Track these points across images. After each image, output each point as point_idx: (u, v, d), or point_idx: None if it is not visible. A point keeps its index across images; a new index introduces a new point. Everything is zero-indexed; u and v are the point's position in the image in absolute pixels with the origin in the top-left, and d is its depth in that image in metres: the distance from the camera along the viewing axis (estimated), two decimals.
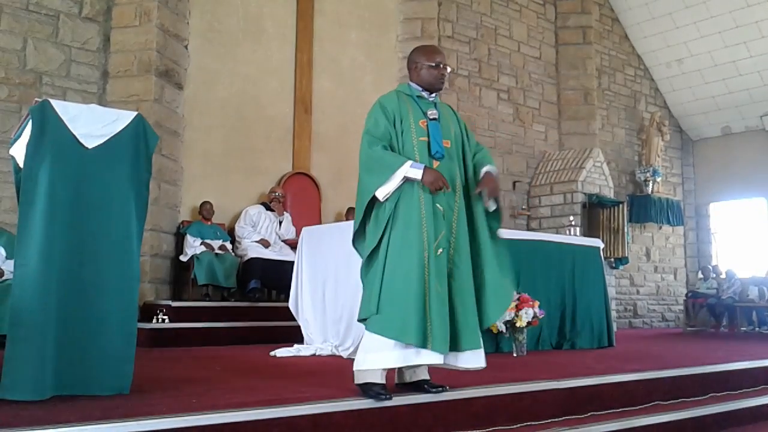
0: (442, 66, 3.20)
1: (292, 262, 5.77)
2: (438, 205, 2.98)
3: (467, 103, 9.93)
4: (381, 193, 2.95)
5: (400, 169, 2.93)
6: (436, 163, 3.04)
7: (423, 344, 2.81)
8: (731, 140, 13.05)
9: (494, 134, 10.29)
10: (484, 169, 3.18)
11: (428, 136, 3.07)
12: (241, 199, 7.88)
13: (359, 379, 2.92)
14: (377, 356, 2.87)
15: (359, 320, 3.02)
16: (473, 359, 2.99)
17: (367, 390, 2.86)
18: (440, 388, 3.02)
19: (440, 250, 2.94)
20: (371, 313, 2.88)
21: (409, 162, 2.95)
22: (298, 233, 6.43)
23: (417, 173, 2.93)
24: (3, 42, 6.64)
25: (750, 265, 12.15)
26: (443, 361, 2.90)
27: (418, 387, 3.04)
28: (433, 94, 3.25)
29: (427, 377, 3.09)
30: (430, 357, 2.87)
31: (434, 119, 3.11)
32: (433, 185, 2.92)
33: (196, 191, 7.58)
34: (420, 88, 3.22)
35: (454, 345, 2.91)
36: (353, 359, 3.01)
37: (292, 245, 7.20)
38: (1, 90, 6.59)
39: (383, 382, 2.91)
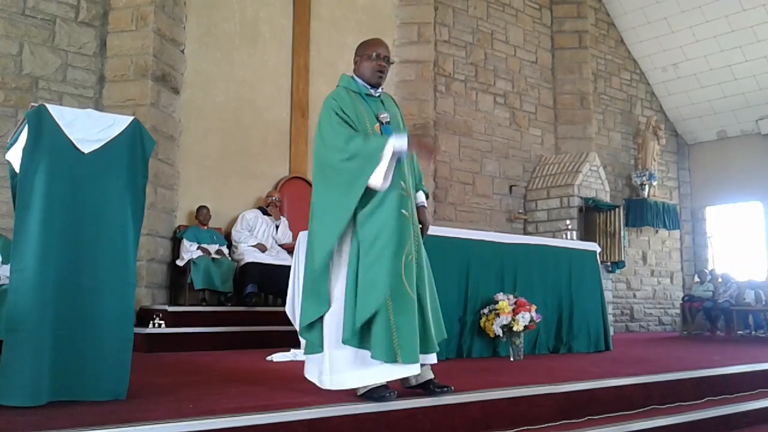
0: (382, 57, 3.09)
1: (289, 267, 5.75)
2: (403, 211, 2.91)
3: (464, 108, 9.94)
4: (377, 178, 2.79)
5: (387, 145, 2.81)
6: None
7: (392, 360, 2.77)
8: (727, 144, 13.10)
9: (491, 138, 10.30)
10: (419, 202, 3.16)
11: None
12: (237, 204, 7.87)
13: (360, 391, 2.91)
14: (358, 374, 2.85)
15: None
16: (431, 358, 3.03)
17: (371, 395, 2.86)
18: (445, 388, 3.02)
19: (410, 256, 2.89)
20: (351, 332, 2.81)
21: (392, 136, 2.84)
22: (294, 237, 6.43)
23: (403, 142, 2.82)
24: None
25: (746, 269, 12.19)
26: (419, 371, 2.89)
27: (425, 387, 3.03)
28: (378, 89, 3.16)
29: (432, 376, 3.07)
30: (404, 370, 2.84)
31: (387, 123, 3.05)
32: (426, 149, 2.86)
33: (193, 196, 7.56)
34: (367, 86, 3.12)
35: (425, 348, 2.90)
36: None
37: (289, 249, 7.19)
38: None
39: (384, 383, 2.90)
